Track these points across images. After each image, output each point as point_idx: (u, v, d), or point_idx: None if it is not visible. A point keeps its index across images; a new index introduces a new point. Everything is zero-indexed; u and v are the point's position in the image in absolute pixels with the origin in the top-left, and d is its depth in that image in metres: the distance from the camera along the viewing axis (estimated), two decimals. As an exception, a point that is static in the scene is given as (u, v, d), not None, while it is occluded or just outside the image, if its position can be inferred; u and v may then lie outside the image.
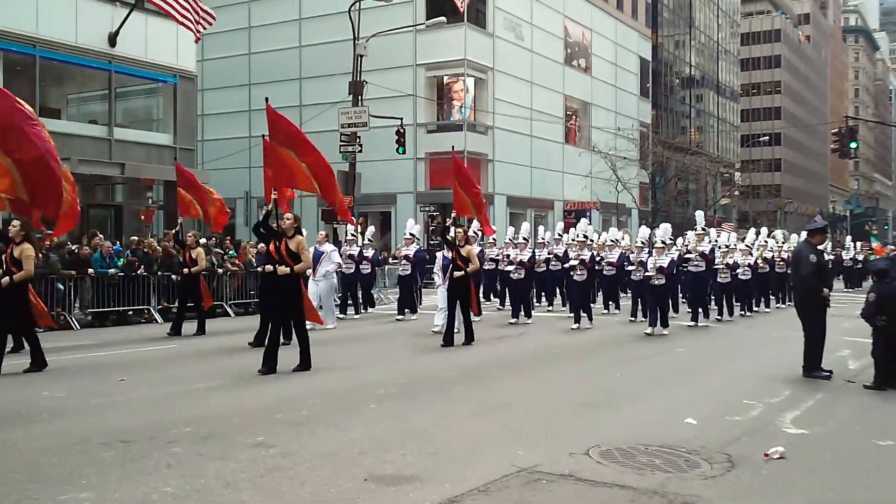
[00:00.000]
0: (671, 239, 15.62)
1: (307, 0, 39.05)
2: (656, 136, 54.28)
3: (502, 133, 38.46)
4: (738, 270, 18.10)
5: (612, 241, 18.97)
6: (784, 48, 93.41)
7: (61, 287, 15.22)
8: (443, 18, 29.77)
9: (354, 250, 17.77)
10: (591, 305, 16.99)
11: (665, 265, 14.50)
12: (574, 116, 46.70)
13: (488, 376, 9.90)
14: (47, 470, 5.61)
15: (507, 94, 38.75)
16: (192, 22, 21.00)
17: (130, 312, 16.47)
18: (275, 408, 7.69)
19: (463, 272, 12.52)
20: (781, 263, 20.82)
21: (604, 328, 15.74)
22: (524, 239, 17.22)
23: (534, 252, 17.80)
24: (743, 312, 18.74)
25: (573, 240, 17.52)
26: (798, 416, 7.64)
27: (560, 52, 44.36)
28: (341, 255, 17.23)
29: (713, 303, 17.74)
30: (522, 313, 16.73)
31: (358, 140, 25.63)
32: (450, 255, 13.16)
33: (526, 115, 39.91)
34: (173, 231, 15.18)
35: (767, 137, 73.56)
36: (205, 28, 21.46)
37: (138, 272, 16.57)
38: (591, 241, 18.38)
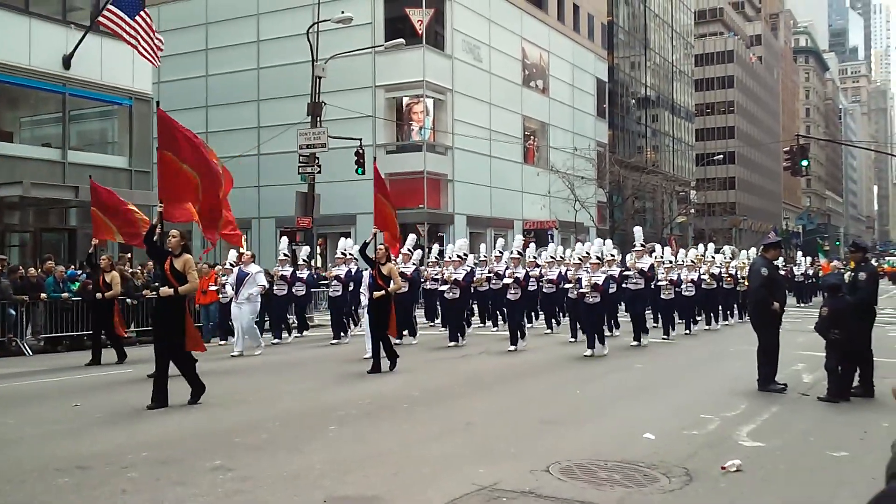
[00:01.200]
0: (612, 255, 15.26)
1: (265, 22, 39.03)
2: (613, 156, 54.98)
3: (462, 153, 38.67)
4: (681, 286, 17.51)
5: (551, 257, 18.47)
6: (737, 69, 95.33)
7: (13, 312, 14.93)
8: (401, 40, 29.99)
9: (287, 271, 16.91)
10: (529, 326, 16.28)
11: (600, 282, 13.94)
12: (532, 137, 47.15)
13: (450, 396, 9.90)
14: (2, 497, 5.49)
15: (466, 115, 39.01)
16: (146, 49, 20.74)
17: (85, 338, 16.17)
18: (233, 431, 7.61)
19: (383, 292, 11.81)
20: (729, 280, 20.57)
21: (563, 348, 15.66)
22: (458, 256, 16.61)
23: (472, 269, 17.13)
24: (687, 332, 18.06)
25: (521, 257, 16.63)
26: (754, 430, 7.75)
27: (518, 74, 44.81)
28: (272, 276, 16.75)
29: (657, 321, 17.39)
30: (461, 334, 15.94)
31: (317, 161, 25.59)
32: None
33: (485, 136, 40.21)
34: (89, 252, 14.05)
35: (722, 156, 74.88)
36: (157, 55, 21.19)
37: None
38: (534, 257, 17.87)
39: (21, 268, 16.51)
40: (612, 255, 15.36)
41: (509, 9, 43.72)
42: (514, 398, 9.88)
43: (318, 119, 26.19)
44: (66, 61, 21.96)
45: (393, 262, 15.51)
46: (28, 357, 14.62)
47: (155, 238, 9.59)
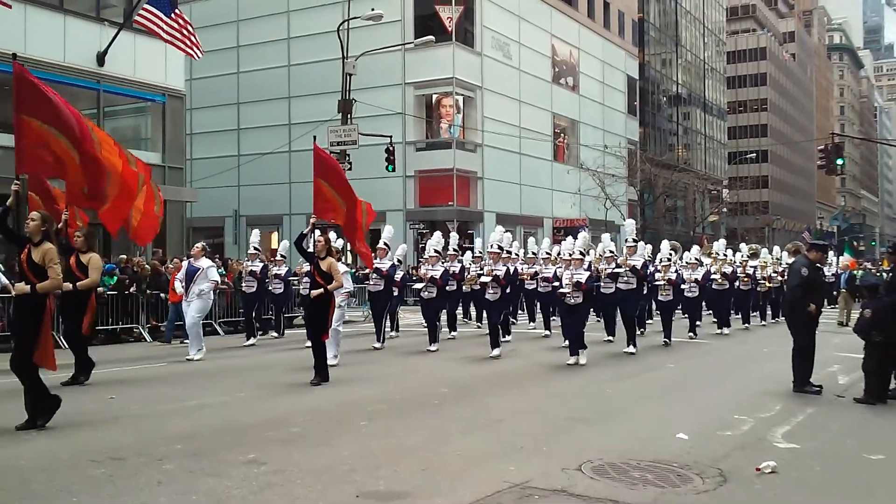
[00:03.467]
0: (611, 252, 14.29)
1: (296, 19, 39.22)
2: (644, 154, 54.60)
3: (491, 150, 38.62)
4: (682, 286, 16.15)
5: (547, 254, 17.34)
6: (770, 66, 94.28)
7: (49, 306, 15.11)
8: (431, 38, 30.02)
9: (257, 266, 15.67)
10: (510, 325, 15.21)
11: (583, 280, 12.51)
12: (562, 134, 46.95)
13: (479, 393, 9.87)
14: (36, 487, 5.55)
15: (496, 112, 38.95)
16: (183, 43, 20.91)
17: (119, 330, 16.40)
18: (265, 425, 7.65)
19: (322, 290, 10.36)
20: (746, 280, 19.42)
21: (590, 346, 15.32)
22: (436, 251, 15.16)
23: (462, 267, 16.22)
24: (692, 335, 16.68)
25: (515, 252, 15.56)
26: (789, 431, 7.65)
27: (548, 71, 44.65)
28: (242, 272, 15.97)
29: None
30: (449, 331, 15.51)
31: (347, 158, 25.68)
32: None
33: (514, 133, 40.11)
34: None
35: (754, 154, 74.09)
36: (197, 55, 21.32)
37: (130, 290, 16.53)
38: (515, 254, 16.37)
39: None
40: (611, 252, 14.41)
41: (539, 6, 43.56)
42: (543, 396, 9.85)
43: (349, 116, 26.29)
44: (100, 58, 22.20)
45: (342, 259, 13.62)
46: (63, 349, 14.75)
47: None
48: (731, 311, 19.42)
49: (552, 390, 10.30)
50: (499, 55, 39.85)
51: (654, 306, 18.22)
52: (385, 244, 15.25)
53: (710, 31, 76.16)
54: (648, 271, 15.27)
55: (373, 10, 27.00)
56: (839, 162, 31.72)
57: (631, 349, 13.99)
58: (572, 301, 12.57)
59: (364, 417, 8.06)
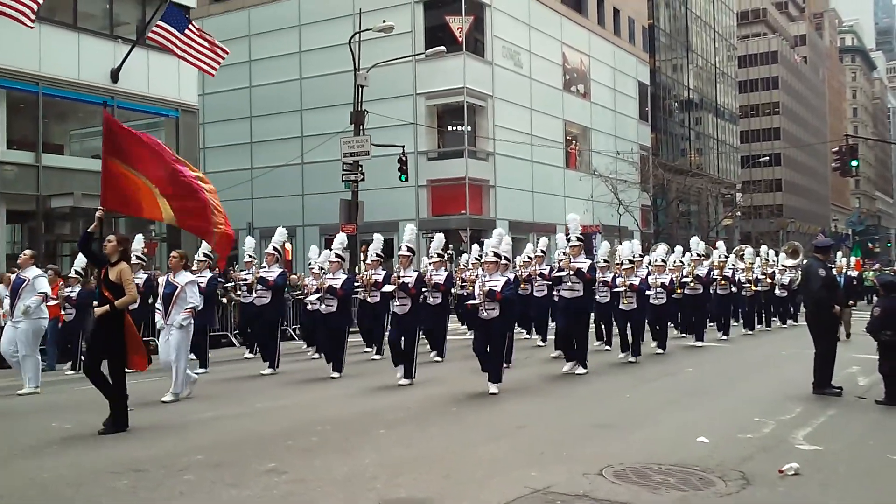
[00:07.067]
0: (564, 255, 11.97)
1: (307, 33, 39.42)
2: (656, 159, 54.48)
3: (503, 159, 38.64)
4: (648, 292, 14.00)
5: (476, 259, 15.42)
6: (781, 69, 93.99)
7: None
8: (442, 48, 30.08)
9: (141, 278, 13.12)
10: (445, 344, 13.71)
11: (498, 288, 10.05)
12: (574, 141, 46.90)
13: (498, 400, 9.84)
14: (60, 499, 5.59)
15: (508, 121, 38.98)
16: (198, 58, 20.99)
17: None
18: (285, 435, 7.66)
19: (107, 308, 7.86)
20: (724, 283, 17.33)
21: (606, 353, 14.91)
22: (338, 256, 12.52)
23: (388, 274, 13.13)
24: (660, 350, 14.61)
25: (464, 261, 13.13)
26: (811, 433, 7.60)
27: (559, 79, 44.67)
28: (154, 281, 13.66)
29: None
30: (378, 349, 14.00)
31: (360, 169, 25.74)
32: (178, 280, 9.79)
33: (526, 141, 40.11)
34: None
35: (767, 158, 73.72)
36: (218, 64, 21.34)
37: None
38: (478, 257, 14.79)
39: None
40: (564, 255, 12.06)
41: (549, 14, 43.61)
42: (563, 402, 9.81)
43: (361, 127, 26.36)
44: (114, 75, 22.38)
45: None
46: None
47: None
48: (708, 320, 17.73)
49: (572, 397, 10.25)
50: (509, 64, 39.91)
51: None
52: (274, 248, 13.07)
53: (720, 35, 76.00)
54: (608, 277, 13.63)
55: (384, 21, 27.09)
56: (853, 164, 31.55)
57: (580, 370, 11.93)
58: (485, 315, 10.18)
59: (383, 426, 8.06)
